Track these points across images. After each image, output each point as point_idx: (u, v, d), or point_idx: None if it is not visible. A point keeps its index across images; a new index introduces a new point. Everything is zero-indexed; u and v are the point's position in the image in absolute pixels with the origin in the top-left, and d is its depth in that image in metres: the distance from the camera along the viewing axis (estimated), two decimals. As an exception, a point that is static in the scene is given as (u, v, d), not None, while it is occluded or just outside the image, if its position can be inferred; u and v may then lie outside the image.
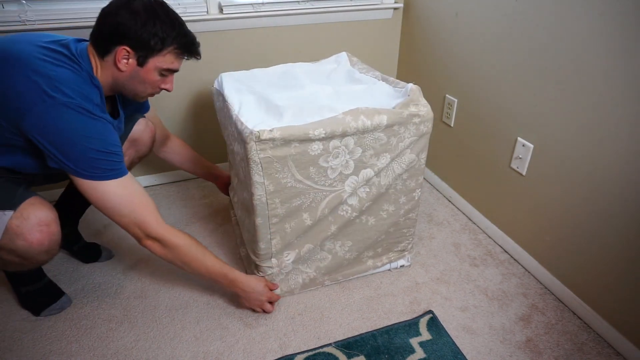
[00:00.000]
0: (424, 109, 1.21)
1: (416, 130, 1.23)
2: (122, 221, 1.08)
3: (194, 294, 1.38)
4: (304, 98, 1.26)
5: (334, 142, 1.14)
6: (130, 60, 1.06)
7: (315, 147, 1.13)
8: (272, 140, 1.07)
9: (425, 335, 1.24)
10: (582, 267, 1.29)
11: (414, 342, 1.22)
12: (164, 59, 1.08)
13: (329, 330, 1.26)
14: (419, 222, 1.71)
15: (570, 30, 1.19)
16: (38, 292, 1.29)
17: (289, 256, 1.29)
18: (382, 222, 1.36)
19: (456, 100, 1.72)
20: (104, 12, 1.04)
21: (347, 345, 1.21)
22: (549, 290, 1.41)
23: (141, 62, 1.07)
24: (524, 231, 1.49)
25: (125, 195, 1.06)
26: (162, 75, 1.12)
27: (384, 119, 1.16)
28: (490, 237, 1.65)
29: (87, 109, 0.99)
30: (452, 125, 1.78)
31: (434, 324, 1.28)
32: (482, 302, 1.37)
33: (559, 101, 1.27)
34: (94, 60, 1.07)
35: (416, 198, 1.37)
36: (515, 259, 1.54)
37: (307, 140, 1.11)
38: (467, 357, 1.19)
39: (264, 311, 1.30)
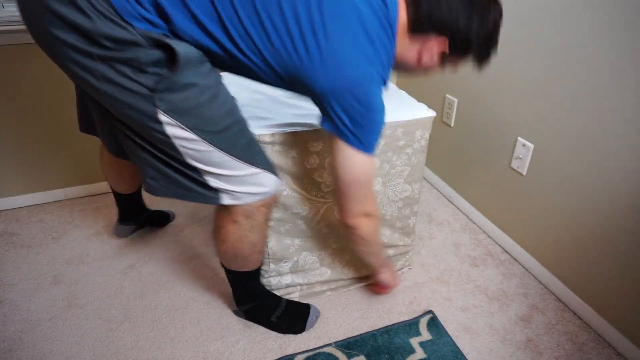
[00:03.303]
0: (420, 141, 1.21)
1: (408, 160, 1.23)
2: (350, 198, 0.98)
3: (194, 294, 1.38)
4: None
5: (330, 160, 1.14)
6: (436, 56, 0.90)
7: (313, 161, 1.13)
8: (272, 144, 1.07)
9: (426, 335, 1.24)
10: (582, 267, 1.29)
11: (414, 342, 1.22)
12: (458, 60, 0.93)
13: (329, 330, 1.26)
14: (418, 222, 1.71)
15: (571, 30, 1.19)
16: (287, 315, 1.26)
17: (287, 264, 1.29)
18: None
19: (456, 100, 1.72)
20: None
21: (347, 345, 1.21)
22: (549, 290, 1.41)
23: (442, 60, 0.92)
24: (524, 231, 1.49)
25: (369, 172, 0.96)
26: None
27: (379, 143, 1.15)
28: (490, 237, 1.65)
29: (385, 79, 0.87)
30: (452, 125, 1.78)
31: (434, 324, 1.28)
32: (482, 302, 1.37)
33: (559, 101, 1.27)
34: (402, 27, 0.87)
35: (411, 225, 1.37)
36: (515, 259, 1.54)
37: (305, 151, 1.11)
38: (467, 357, 1.18)
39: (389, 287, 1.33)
